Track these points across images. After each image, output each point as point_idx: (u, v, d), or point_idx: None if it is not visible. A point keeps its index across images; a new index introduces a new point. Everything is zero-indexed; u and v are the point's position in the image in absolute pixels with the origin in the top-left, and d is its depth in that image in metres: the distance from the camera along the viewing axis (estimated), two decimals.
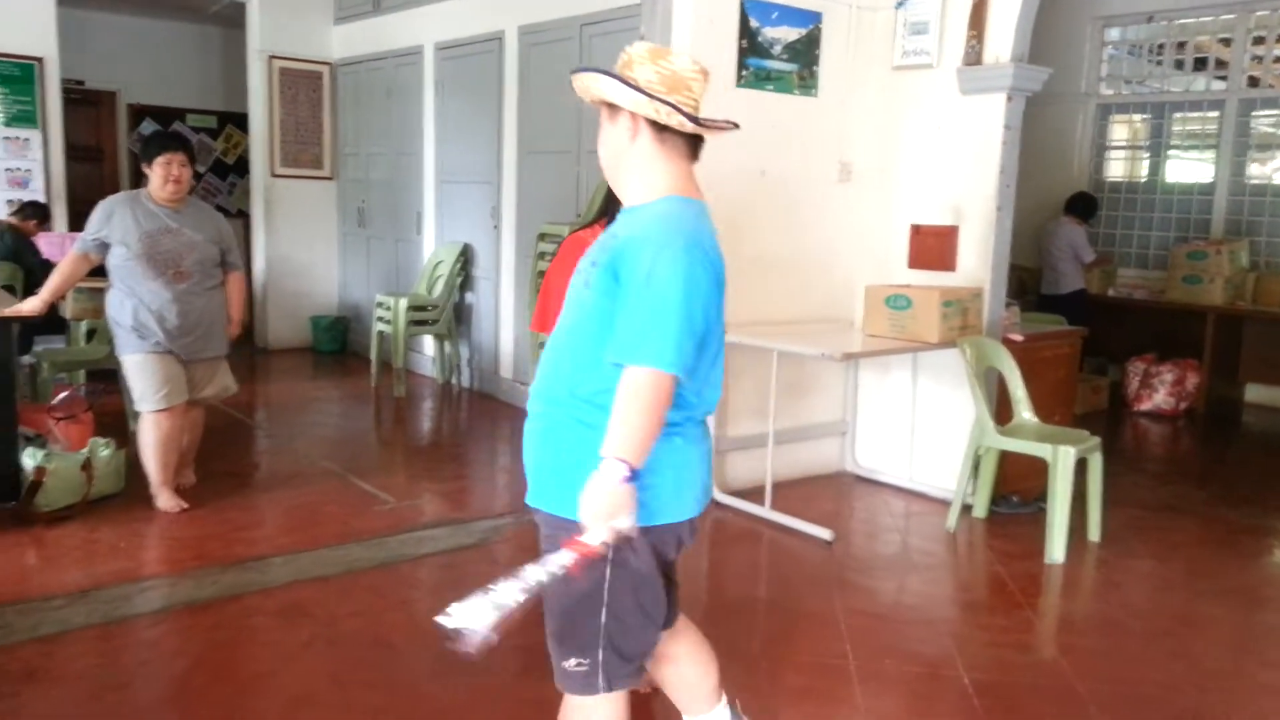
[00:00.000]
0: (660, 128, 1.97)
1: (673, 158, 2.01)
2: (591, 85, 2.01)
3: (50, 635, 3.18)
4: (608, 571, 1.97)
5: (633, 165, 2.03)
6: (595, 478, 1.84)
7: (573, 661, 2.03)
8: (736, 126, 2.21)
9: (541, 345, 5.53)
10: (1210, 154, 8.02)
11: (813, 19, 5.03)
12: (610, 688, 2.04)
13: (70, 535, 4.06)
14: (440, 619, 1.70)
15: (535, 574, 1.77)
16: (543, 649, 3.14)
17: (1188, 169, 8.31)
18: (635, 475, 1.84)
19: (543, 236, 5.77)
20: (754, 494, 4.77)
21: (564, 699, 2.14)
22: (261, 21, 8.49)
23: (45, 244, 6.59)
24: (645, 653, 2.10)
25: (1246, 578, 4.21)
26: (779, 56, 4.94)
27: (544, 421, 2.04)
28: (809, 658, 3.23)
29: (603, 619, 1.99)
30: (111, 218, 4.24)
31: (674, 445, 1.99)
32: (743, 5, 4.77)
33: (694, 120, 1.96)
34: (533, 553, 4.20)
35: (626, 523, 1.83)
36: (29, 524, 4.11)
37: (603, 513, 1.83)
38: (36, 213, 6.74)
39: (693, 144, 2.04)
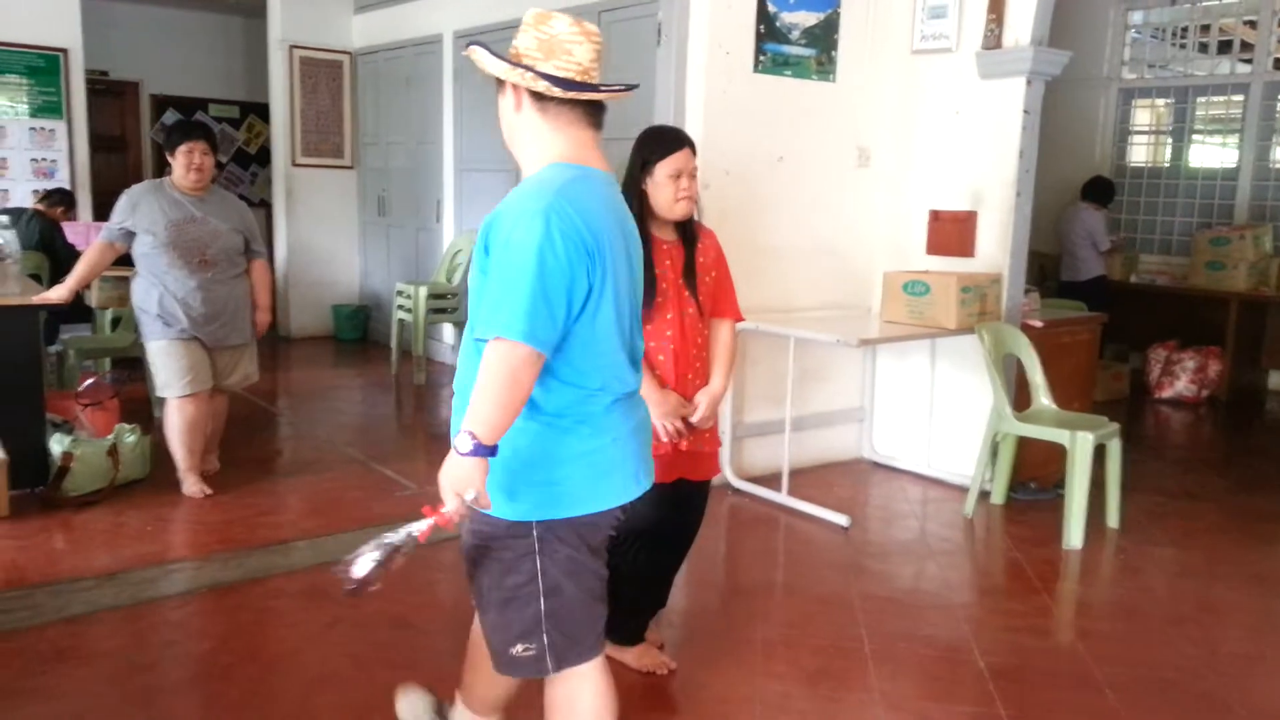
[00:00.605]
0: (541, 96, 1.92)
1: (561, 126, 1.94)
2: (475, 59, 1.98)
3: (78, 616, 3.25)
4: (538, 562, 1.96)
5: (523, 136, 1.98)
6: (452, 450, 1.83)
7: (519, 647, 2.01)
8: (631, 88, 2.12)
9: None
10: (1234, 138, 7.95)
11: (831, 3, 5.01)
12: (560, 667, 2.03)
13: (97, 519, 4.13)
14: (335, 568, 1.90)
15: (396, 536, 1.89)
16: None
17: (1211, 154, 8.24)
18: (488, 450, 1.80)
19: None
20: (771, 480, 4.78)
21: (545, 687, 2.13)
22: (282, 11, 8.54)
23: (70, 233, 6.67)
24: (595, 630, 2.07)
25: (1268, 564, 4.19)
26: (797, 41, 4.93)
27: (458, 415, 1.96)
28: (824, 641, 3.25)
29: (542, 605, 1.97)
30: (137, 207, 4.29)
31: (580, 435, 1.93)
32: None
33: (562, 84, 1.89)
34: None
35: (472, 494, 1.82)
36: (57, 508, 4.18)
37: (450, 484, 1.83)
38: (63, 200, 6.82)
39: (590, 111, 1.96)
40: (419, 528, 1.89)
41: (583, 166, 1.94)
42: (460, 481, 1.82)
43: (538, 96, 1.92)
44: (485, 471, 1.82)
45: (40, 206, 6.64)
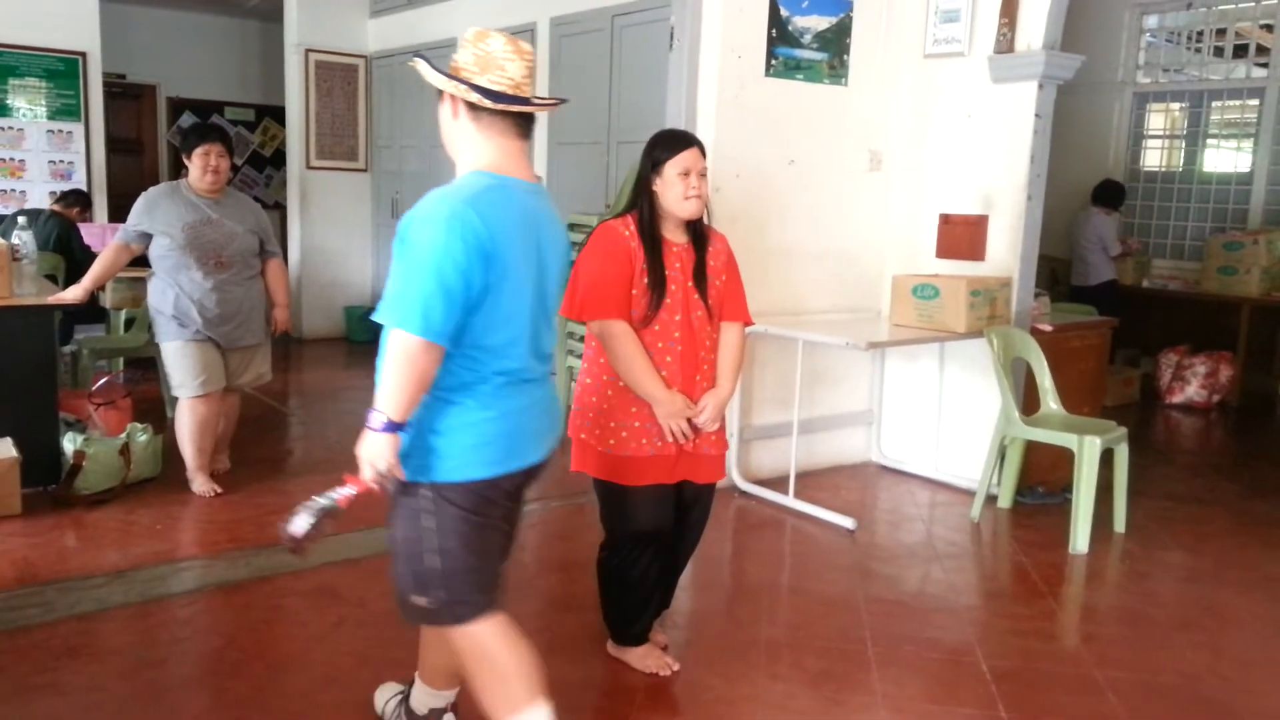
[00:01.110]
0: (475, 107, 2.12)
1: (492, 135, 2.14)
2: (419, 71, 2.21)
3: (89, 613, 3.28)
4: (428, 520, 2.14)
5: (457, 143, 2.19)
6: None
7: (421, 599, 2.20)
8: (561, 101, 2.34)
9: (569, 333, 5.55)
10: (1249, 143, 7.91)
11: (843, 7, 5.02)
12: (460, 621, 2.20)
13: (108, 517, 4.17)
14: (280, 525, 2.14)
15: (325, 499, 2.12)
16: (557, 631, 3.20)
17: (1225, 158, 8.20)
18: (396, 426, 2.02)
19: (572, 227, 5.81)
20: (778, 483, 4.79)
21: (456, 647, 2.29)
22: (299, 15, 8.61)
23: (86, 234, 6.73)
24: (488, 589, 2.23)
25: (1277, 570, 4.16)
26: (809, 45, 4.94)
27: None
28: (828, 642, 3.26)
29: (438, 562, 2.15)
30: (154, 209, 4.34)
31: (464, 408, 2.11)
32: None
33: (493, 97, 2.09)
34: (554, 535, 4.27)
35: (383, 465, 2.04)
36: (69, 506, 4.23)
37: (365, 456, 2.05)
38: (79, 200, 6.89)
39: (519, 122, 2.17)
40: (343, 493, 2.11)
41: (502, 176, 2.14)
42: (374, 455, 2.04)
43: (472, 106, 2.13)
44: (396, 445, 2.05)
45: (57, 207, 6.71)
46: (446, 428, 2.10)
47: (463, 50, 2.13)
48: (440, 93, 2.17)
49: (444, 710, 2.56)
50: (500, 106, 2.11)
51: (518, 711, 2.19)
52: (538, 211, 2.19)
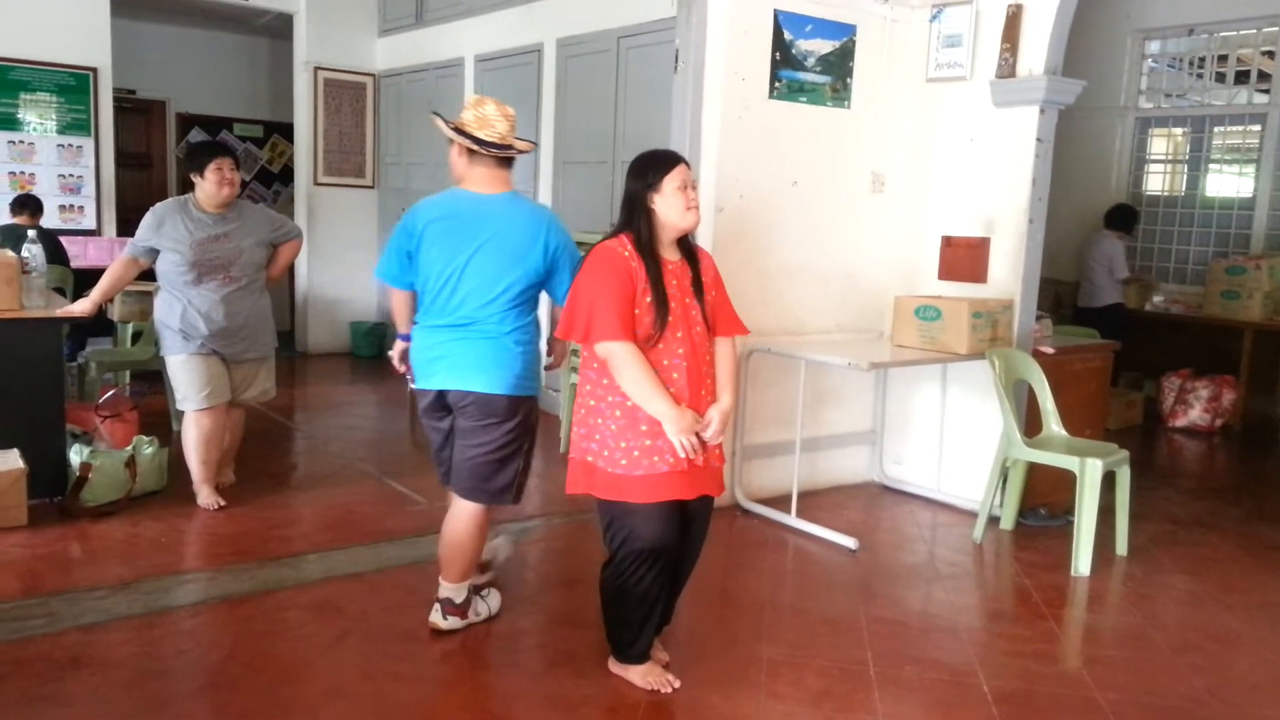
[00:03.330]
0: (471, 151, 3.20)
1: (477, 166, 3.23)
2: (436, 125, 3.33)
3: (94, 624, 3.30)
4: None
5: (458, 171, 3.27)
6: None
7: None
8: (532, 146, 3.42)
9: (574, 351, 5.61)
10: (1251, 168, 7.95)
11: (846, 31, 5.07)
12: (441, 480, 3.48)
13: (114, 529, 4.19)
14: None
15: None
16: (560, 647, 3.21)
17: (1228, 183, 8.23)
18: (399, 335, 3.48)
19: (576, 246, 5.84)
20: (780, 502, 4.80)
21: None
22: (308, 33, 8.68)
23: (94, 249, 6.75)
24: (438, 465, 3.47)
25: (1279, 594, 4.17)
26: (812, 69, 4.99)
27: None
28: (829, 662, 3.26)
29: None
30: (163, 225, 4.37)
31: (414, 339, 3.33)
32: (777, 18, 4.82)
33: (485, 145, 3.18)
34: (557, 552, 4.27)
35: (393, 353, 3.57)
36: (74, 518, 4.25)
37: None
38: (27, 205, 6.75)
39: (501, 160, 3.24)
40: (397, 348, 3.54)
41: (465, 190, 3.25)
42: (393, 351, 3.57)
43: (470, 150, 3.21)
44: (398, 348, 3.51)
45: (20, 219, 6.60)
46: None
47: (466, 111, 3.22)
48: (450, 140, 3.23)
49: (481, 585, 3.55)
50: (489, 152, 3.19)
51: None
52: (487, 211, 3.19)
